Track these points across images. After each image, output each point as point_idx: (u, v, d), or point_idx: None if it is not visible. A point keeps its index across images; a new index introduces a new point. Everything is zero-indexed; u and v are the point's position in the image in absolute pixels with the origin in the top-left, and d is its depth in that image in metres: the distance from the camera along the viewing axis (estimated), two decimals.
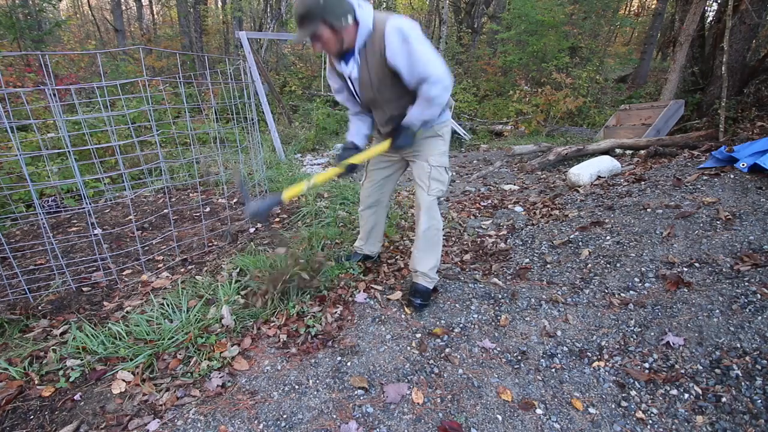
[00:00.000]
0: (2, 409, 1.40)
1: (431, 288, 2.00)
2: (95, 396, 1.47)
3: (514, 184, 4.01)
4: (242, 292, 2.03)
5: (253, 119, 3.27)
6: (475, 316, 1.92)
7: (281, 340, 1.76)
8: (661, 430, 1.30)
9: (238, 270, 2.20)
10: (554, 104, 7.30)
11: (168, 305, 1.90)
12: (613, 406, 1.40)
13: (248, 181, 1.86)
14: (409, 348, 1.72)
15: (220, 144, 5.06)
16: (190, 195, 3.75)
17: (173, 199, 3.63)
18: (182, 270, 2.35)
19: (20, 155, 1.88)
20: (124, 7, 14.53)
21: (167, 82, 6.48)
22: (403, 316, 1.93)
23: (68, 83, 5.94)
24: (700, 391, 1.39)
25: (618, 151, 4.59)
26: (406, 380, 1.54)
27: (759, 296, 1.68)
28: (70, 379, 1.52)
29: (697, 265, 1.98)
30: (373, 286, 2.16)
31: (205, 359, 1.62)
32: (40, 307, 1.99)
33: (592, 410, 1.39)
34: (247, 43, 5.81)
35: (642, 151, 4.34)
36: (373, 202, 2.10)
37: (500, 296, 2.06)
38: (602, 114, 8.22)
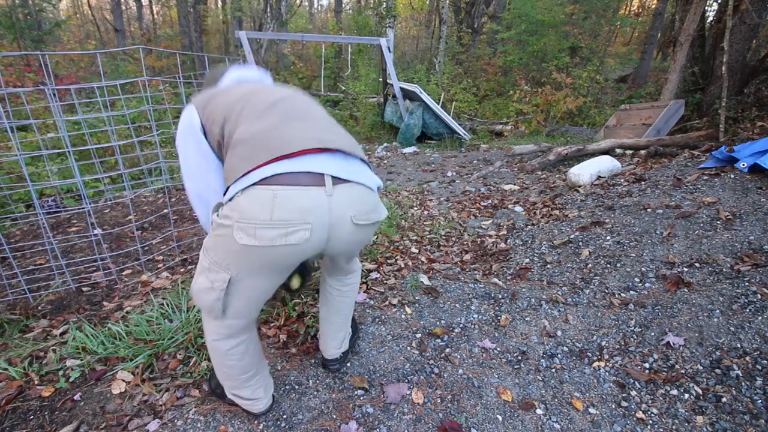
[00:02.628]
0: (2, 409, 1.40)
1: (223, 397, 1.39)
2: (95, 396, 1.47)
3: (514, 184, 4.00)
4: None
5: None
6: (475, 316, 1.92)
7: (281, 340, 1.75)
8: (662, 430, 1.30)
9: None
10: (554, 104, 7.29)
11: (168, 305, 1.90)
12: (613, 406, 1.40)
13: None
14: (409, 348, 1.72)
15: None
16: None
17: (173, 199, 3.63)
18: (182, 270, 2.35)
19: (20, 155, 1.88)
20: (124, 7, 14.53)
21: (167, 82, 6.48)
22: (403, 316, 1.93)
23: (68, 83, 5.94)
24: (700, 391, 1.39)
25: (618, 151, 4.58)
26: (406, 380, 1.54)
27: (759, 296, 1.68)
28: (70, 379, 1.52)
29: (697, 265, 1.98)
30: (373, 286, 2.16)
31: (204, 359, 1.61)
32: (40, 307, 1.98)
33: (592, 410, 1.39)
34: (247, 43, 5.81)
35: (642, 151, 4.34)
36: None
37: (500, 296, 2.05)
38: (602, 114, 8.22)
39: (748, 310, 1.63)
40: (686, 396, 1.39)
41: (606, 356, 1.61)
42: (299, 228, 0.92)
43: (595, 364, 1.58)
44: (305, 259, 1.02)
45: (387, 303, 2.02)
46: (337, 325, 1.48)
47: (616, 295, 1.93)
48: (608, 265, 2.15)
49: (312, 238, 0.95)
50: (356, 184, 0.99)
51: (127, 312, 1.91)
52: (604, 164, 3.63)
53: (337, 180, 0.95)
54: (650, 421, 1.33)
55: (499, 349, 1.70)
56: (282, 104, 1.06)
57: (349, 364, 1.62)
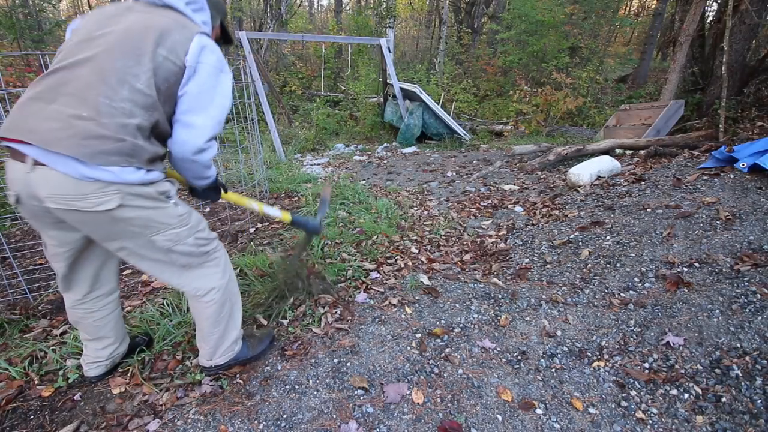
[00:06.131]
0: (2, 409, 1.40)
1: None
2: (95, 396, 1.47)
3: (514, 184, 4.00)
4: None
5: (253, 119, 3.27)
6: (475, 316, 1.92)
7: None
8: (661, 430, 1.30)
9: (238, 270, 2.20)
10: (554, 104, 7.29)
11: (167, 305, 1.90)
12: (613, 406, 1.40)
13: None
14: (409, 348, 1.72)
15: (220, 144, 5.06)
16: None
17: None
18: None
19: None
20: None
21: None
22: (403, 316, 1.93)
23: None
24: (700, 391, 1.39)
25: (618, 151, 4.58)
26: (406, 380, 1.54)
27: (759, 296, 1.68)
28: (70, 380, 1.52)
29: (697, 265, 1.98)
30: (373, 286, 2.16)
31: None
32: (40, 307, 1.99)
33: (592, 410, 1.39)
34: (247, 43, 5.81)
35: (642, 151, 4.34)
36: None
37: (500, 296, 2.06)
38: (602, 114, 8.22)
39: (747, 310, 1.63)
40: (686, 396, 1.39)
41: (606, 356, 1.61)
42: (10, 193, 1.11)
43: (595, 363, 1.58)
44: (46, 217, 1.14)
45: (387, 303, 2.02)
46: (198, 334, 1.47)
47: (616, 295, 1.93)
48: (608, 265, 2.16)
49: (24, 204, 1.11)
50: (52, 168, 1.03)
51: (127, 312, 1.91)
52: (604, 164, 3.63)
53: (38, 161, 1.03)
54: (650, 421, 1.33)
55: (498, 349, 1.70)
56: (56, 76, 1.08)
57: (349, 364, 1.62)
